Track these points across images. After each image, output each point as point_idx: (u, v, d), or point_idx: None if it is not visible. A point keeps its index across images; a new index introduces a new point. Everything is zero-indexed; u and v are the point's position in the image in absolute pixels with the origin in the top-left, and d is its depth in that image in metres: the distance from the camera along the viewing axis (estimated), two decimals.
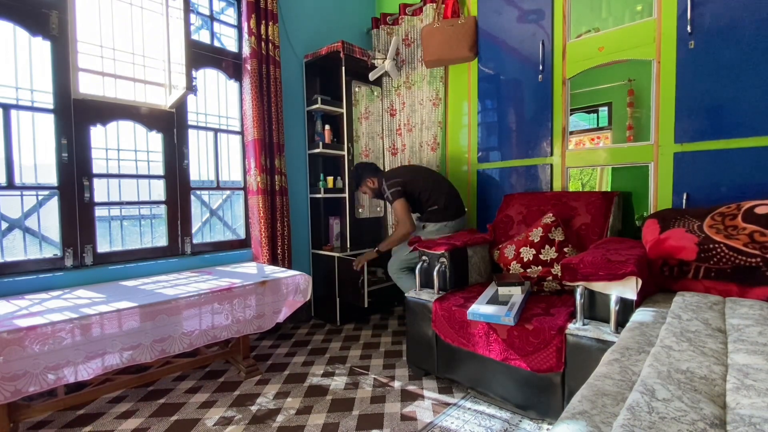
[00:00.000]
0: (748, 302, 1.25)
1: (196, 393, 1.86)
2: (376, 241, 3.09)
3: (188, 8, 2.20)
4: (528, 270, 1.91)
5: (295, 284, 2.11)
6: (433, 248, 1.97)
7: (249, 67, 2.50)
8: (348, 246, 2.88)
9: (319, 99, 2.78)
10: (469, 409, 1.66)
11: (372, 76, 2.89)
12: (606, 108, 2.28)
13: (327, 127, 2.89)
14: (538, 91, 2.42)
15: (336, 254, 2.73)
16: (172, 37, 2.18)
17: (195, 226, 2.48)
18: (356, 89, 3.00)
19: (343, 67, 2.79)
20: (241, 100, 2.62)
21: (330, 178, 2.91)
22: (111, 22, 2.17)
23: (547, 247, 1.89)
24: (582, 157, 2.29)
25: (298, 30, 2.92)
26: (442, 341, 1.83)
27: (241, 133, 2.69)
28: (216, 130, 2.59)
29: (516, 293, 1.75)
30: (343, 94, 2.84)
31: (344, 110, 2.85)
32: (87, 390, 1.63)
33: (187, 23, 2.11)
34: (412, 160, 3.10)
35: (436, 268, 1.94)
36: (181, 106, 2.37)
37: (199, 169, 2.52)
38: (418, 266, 2.05)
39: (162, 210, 2.37)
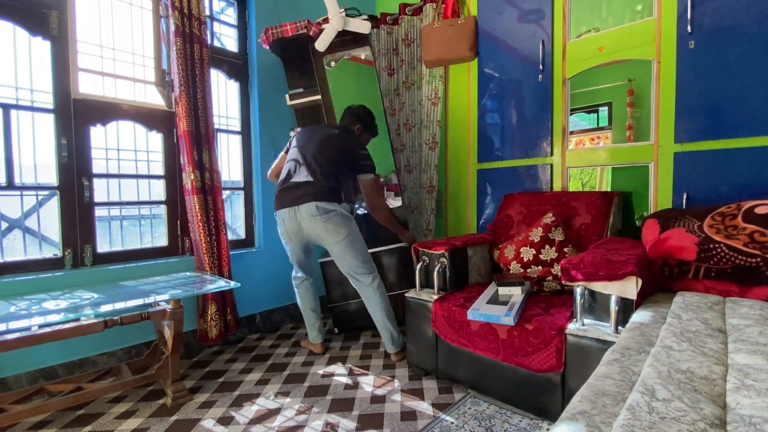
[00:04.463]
0: (749, 302, 1.25)
1: (197, 393, 1.86)
2: (386, 240, 2.59)
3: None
4: (528, 270, 1.91)
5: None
6: (433, 248, 1.97)
7: (176, 48, 2.17)
8: None
9: (288, 95, 2.59)
10: (469, 409, 1.66)
11: (321, 44, 2.42)
12: (606, 108, 2.28)
13: None
14: (538, 90, 2.42)
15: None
16: (172, 37, 2.18)
17: None
18: (331, 64, 2.63)
19: (310, 47, 2.50)
20: (172, 86, 2.32)
21: None
22: (111, 22, 2.17)
23: (547, 247, 1.89)
24: (582, 157, 2.29)
25: None
26: (442, 341, 1.83)
27: (175, 125, 2.34)
28: (216, 130, 2.59)
29: (516, 293, 1.75)
30: (316, 77, 2.54)
31: (320, 96, 2.55)
32: (87, 390, 1.63)
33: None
34: (411, 160, 3.10)
35: (436, 268, 1.94)
36: None
37: None
38: (418, 266, 2.05)
39: (162, 210, 2.37)
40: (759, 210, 1.44)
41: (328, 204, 2.03)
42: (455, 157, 2.95)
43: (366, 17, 2.47)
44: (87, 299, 1.67)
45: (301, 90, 2.63)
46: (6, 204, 1.86)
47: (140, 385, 1.87)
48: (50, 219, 1.96)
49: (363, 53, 2.63)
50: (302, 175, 2.08)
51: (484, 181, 2.75)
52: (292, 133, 2.21)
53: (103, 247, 2.13)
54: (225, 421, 1.62)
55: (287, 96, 2.63)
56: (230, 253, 2.40)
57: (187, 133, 2.20)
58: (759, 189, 1.72)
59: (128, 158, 2.25)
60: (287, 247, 2.23)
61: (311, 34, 2.44)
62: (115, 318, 1.67)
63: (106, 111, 2.12)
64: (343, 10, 2.41)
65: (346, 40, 2.52)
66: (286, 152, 2.25)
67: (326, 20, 2.41)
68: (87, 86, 2.06)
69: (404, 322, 2.07)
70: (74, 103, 2.00)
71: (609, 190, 2.22)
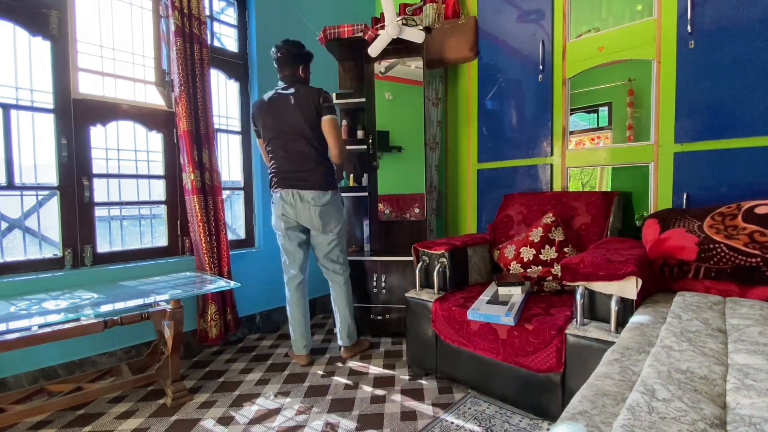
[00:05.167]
0: (749, 302, 1.25)
1: (197, 393, 1.86)
2: (405, 248, 2.49)
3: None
4: (528, 270, 1.91)
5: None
6: (433, 248, 1.97)
7: (176, 48, 2.17)
8: (369, 249, 2.64)
9: (335, 93, 2.57)
10: (469, 409, 1.66)
11: (374, 50, 2.39)
12: (606, 108, 2.27)
13: (344, 122, 2.73)
14: (538, 91, 2.42)
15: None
16: (172, 37, 2.18)
17: None
18: (380, 71, 2.60)
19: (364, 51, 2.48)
20: (172, 86, 2.33)
21: (351, 176, 2.77)
22: (111, 22, 2.17)
23: (547, 247, 1.89)
24: (582, 157, 2.29)
25: (298, 31, 2.93)
26: (442, 341, 1.83)
27: (175, 125, 2.34)
28: (216, 130, 2.59)
29: (516, 293, 1.75)
30: (365, 80, 2.56)
31: (365, 99, 2.56)
32: (87, 390, 1.63)
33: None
34: None
35: (436, 268, 1.94)
36: None
37: None
38: (418, 266, 2.05)
39: (162, 210, 2.37)
40: (759, 210, 1.44)
41: (324, 193, 2.07)
42: (455, 157, 2.95)
43: (421, 28, 2.45)
44: (87, 299, 1.67)
45: (350, 91, 2.66)
46: (6, 204, 1.86)
47: (140, 385, 1.87)
48: (50, 219, 1.96)
49: (414, 63, 2.58)
50: (294, 158, 2.05)
51: (484, 181, 2.75)
52: (253, 110, 2.15)
53: (103, 247, 2.13)
54: (225, 421, 1.62)
55: (334, 95, 2.58)
56: (230, 253, 2.41)
57: (187, 133, 2.20)
58: (759, 189, 1.72)
59: (128, 158, 2.25)
60: (280, 237, 2.16)
61: (366, 38, 2.46)
62: (115, 318, 1.67)
63: (106, 111, 2.12)
64: (400, 18, 2.42)
65: (399, 48, 2.50)
66: (258, 135, 2.20)
67: (383, 26, 2.42)
68: (87, 86, 2.06)
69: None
70: (74, 103, 2.00)
71: (609, 190, 2.22)
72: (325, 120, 2.04)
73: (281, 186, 2.08)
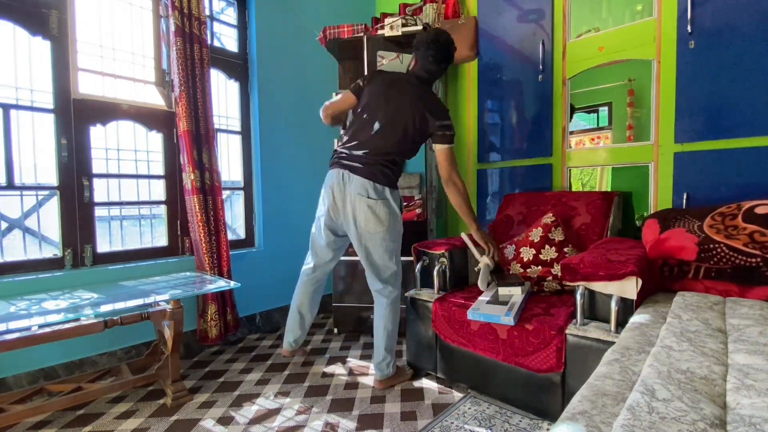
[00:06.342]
0: (749, 302, 1.25)
1: (197, 393, 1.86)
2: (405, 248, 2.11)
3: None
4: (528, 270, 1.91)
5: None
6: (433, 248, 1.97)
7: (176, 48, 2.16)
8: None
9: (334, 93, 2.52)
10: (469, 409, 1.66)
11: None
12: (606, 108, 2.28)
13: (348, 120, 2.72)
14: (538, 91, 2.42)
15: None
16: (172, 37, 2.18)
17: None
18: (383, 63, 2.51)
19: (365, 50, 2.48)
20: (172, 86, 2.32)
21: None
22: (111, 22, 2.17)
23: (547, 247, 1.89)
24: (582, 157, 2.29)
25: (298, 31, 2.93)
26: (442, 341, 1.83)
27: (175, 125, 2.33)
28: (216, 130, 2.58)
29: (516, 293, 1.75)
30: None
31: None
32: (87, 390, 1.63)
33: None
34: None
35: (436, 268, 1.94)
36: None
37: None
38: (418, 266, 2.05)
39: (162, 210, 2.37)
40: (759, 210, 1.44)
41: (375, 185, 1.75)
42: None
43: (421, 26, 2.48)
44: (87, 299, 1.67)
45: None
46: (6, 204, 1.86)
47: (140, 385, 1.87)
48: (50, 219, 1.96)
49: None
50: (370, 146, 1.78)
51: (484, 181, 2.75)
52: (372, 74, 1.93)
53: (103, 247, 2.12)
54: (225, 421, 1.62)
55: (334, 94, 2.56)
56: (230, 253, 2.40)
57: (187, 133, 2.20)
58: (759, 189, 1.72)
59: (128, 158, 2.25)
60: (314, 224, 1.95)
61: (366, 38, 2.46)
62: (115, 318, 1.66)
63: (106, 111, 2.12)
64: (399, 17, 2.49)
65: (400, 42, 2.50)
66: (354, 93, 1.89)
67: (383, 26, 2.43)
68: (87, 86, 2.06)
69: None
70: (74, 103, 2.00)
71: (609, 190, 2.22)
72: (442, 150, 1.80)
73: (336, 165, 1.82)
